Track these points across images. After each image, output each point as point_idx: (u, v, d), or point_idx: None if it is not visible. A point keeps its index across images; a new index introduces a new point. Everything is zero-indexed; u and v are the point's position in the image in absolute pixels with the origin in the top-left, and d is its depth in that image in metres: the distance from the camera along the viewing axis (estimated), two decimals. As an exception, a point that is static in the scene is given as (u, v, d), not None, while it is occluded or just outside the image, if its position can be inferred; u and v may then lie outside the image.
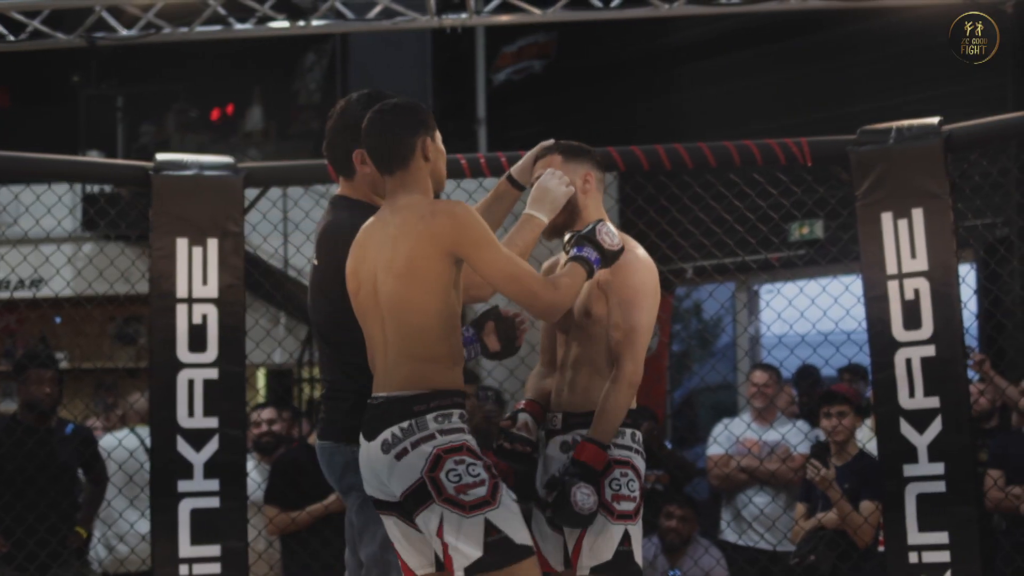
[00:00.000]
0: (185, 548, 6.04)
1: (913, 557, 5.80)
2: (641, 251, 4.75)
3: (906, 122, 5.98)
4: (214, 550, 6.06)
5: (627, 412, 4.64)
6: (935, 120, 5.96)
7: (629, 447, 4.65)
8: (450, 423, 4.29)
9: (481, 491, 4.22)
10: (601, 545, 4.45)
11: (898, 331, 5.89)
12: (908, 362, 5.86)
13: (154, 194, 6.23)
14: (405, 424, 4.25)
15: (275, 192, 6.73)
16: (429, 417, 4.26)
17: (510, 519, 4.25)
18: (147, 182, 6.26)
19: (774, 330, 7.49)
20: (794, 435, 8.00)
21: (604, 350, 4.69)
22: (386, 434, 4.26)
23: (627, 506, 4.52)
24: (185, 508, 6.05)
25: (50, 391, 7.28)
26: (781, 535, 7.80)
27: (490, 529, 4.21)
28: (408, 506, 4.26)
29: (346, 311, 4.62)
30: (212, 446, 6.08)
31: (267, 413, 8.20)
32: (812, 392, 8.57)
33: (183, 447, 6.07)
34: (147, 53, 9.90)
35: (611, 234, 4.55)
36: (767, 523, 7.84)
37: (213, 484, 6.06)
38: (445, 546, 4.22)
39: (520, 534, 4.25)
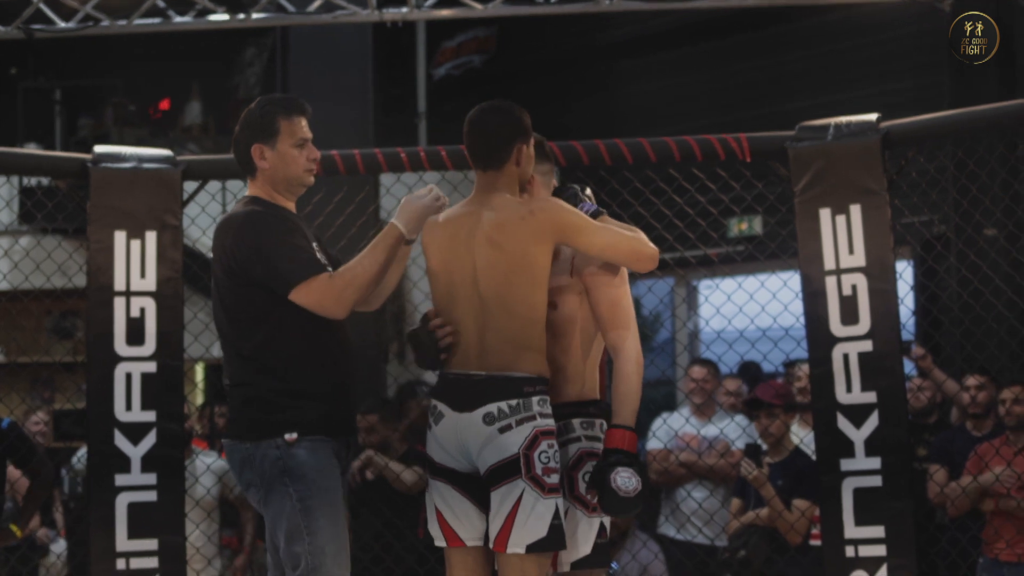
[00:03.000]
0: (122, 542, 6.00)
1: (850, 551, 5.83)
2: None
3: (844, 118, 6.02)
4: (151, 544, 6.02)
5: (595, 403, 4.77)
6: (873, 117, 5.99)
7: (598, 438, 4.73)
8: (547, 408, 4.59)
9: (557, 478, 4.53)
10: (535, 522, 4.49)
11: (835, 326, 5.92)
12: (845, 357, 5.90)
13: (92, 187, 6.18)
14: (514, 402, 4.53)
15: (214, 185, 6.70)
16: (534, 399, 4.55)
17: (563, 510, 4.54)
18: (85, 174, 6.22)
19: (713, 325, 7.52)
20: (732, 430, 8.04)
21: (567, 346, 4.75)
22: (491, 407, 4.54)
23: (555, 479, 4.56)
24: (122, 502, 6.01)
25: None
26: (719, 529, 7.84)
27: (556, 514, 4.51)
28: (490, 479, 4.53)
29: (234, 299, 4.79)
30: (150, 440, 6.04)
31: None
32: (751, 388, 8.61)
33: (120, 441, 6.03)
34: (85, 46, 9.84)
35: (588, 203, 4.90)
36: (705, 517, 7.86)
37: (150, 478, 6.02)
38: (510, 521, 4.48)
39: (564, 526, 4.55)
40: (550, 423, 4.56)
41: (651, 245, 4.74)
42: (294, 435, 4.68)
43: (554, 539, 4.51)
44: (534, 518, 4.48)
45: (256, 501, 4.81)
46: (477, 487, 4.60)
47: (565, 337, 4.73)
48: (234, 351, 4.84)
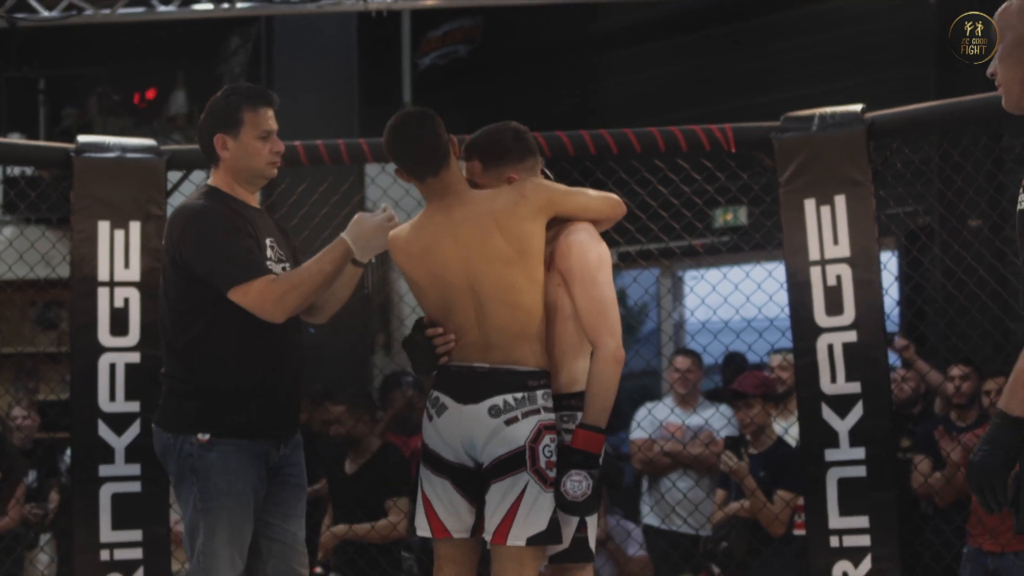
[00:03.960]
0: (106, 533, 6.00)
1: (834, 541, 5.85)
2: (591, 229, 4.78)
3: (829, 109, 6.02)
4: (135, 535, 6.01)
5: (580, 396, 4.68)
6: (858, 107, 6.00)
7: None
8: (550, 402, 4.61)
9: (555, 473, 4.54)
10: (536, 515, 4.51)
11: (820, 317, 5.93)
12: (830, 347, 5.91)
13: (75, 176, 6.17)
14: (519, 395, 4.55)
15: (199, 175, 6.67)
16: (539, 393, 4.57)
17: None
18: (69, 164, 6.20)
19: (698, 316, 7.52)
20: (717, 420, 8.04)
21: (550, 337, 4.70)
22: (497, 400, 4.54)
23: (554, 473, 4.56)
24: (106, 492, 6.00)
25: None
26: (703, 520, 7.84)
27: (555, 508, 4.52)
28: (494, 471, 4.53)
29: (177, 292, 4.82)
30: (134, 430, 6.03)
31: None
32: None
33: (104, 431, 6.02)
34: (69, 35, 9.80)
35: None
36: (689, 508, 7.87)
37: (134, 468, 6.01)
38: (512, 514, 4.48)
39: (561, 520, 4.56)
40: (552, 417, 4.58)
41: (612, 195, 4.85)
42: (206, 436, 4.73)
43: (553, 533, 4.52)
44: (536, 511, 4.49)
45: (173, 488, 4.89)
46: (467, 480, 4.60)
47: (548, 327, 4.70)
48: (169, 343, 4.88)
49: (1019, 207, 3.53)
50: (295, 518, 4.96)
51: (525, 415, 4.52)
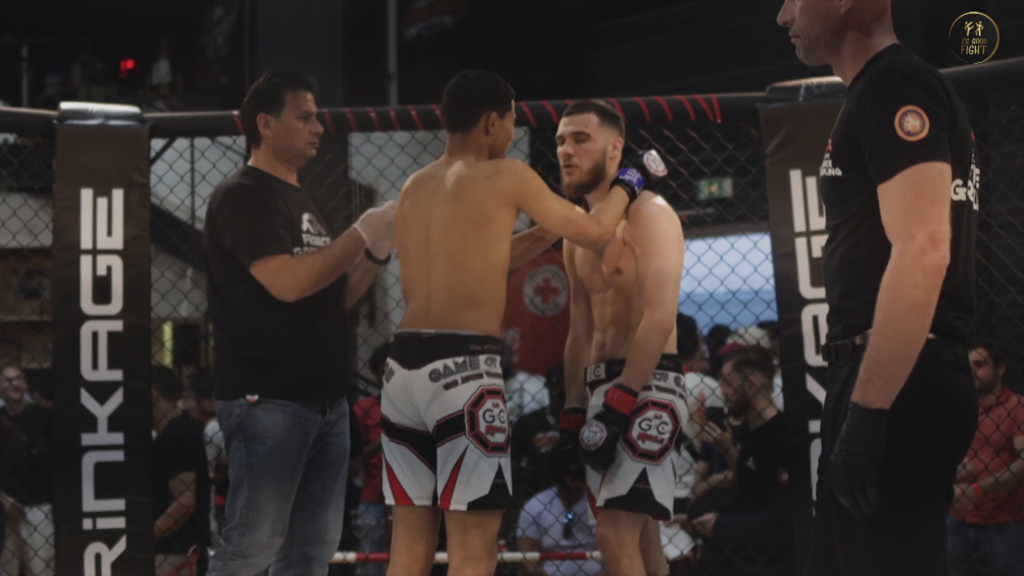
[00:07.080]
0: (89, 502, 5.98)
1: (817, 512, 5.84)
2: (660, 200, 4.98)
3: (815, 80, 6.00)
4: (118, 504, 6.00)
5: (669, 357, 4.86)
6: (844, 78, 5.97)
7: (672, 390, 4.86)
8: (496, 367, 4.68)
9: (502, 437, 4.61)
10: (477, 480, 4.57)
11: (805, 288, 5.92)
12: (815, 319, 5.90)
13: (58, 144, 6.13)
14: (460, 359, 4.60)
15: (182, 143, 6.66)
16: (481, 358, 4.62)
17: (509, 469, 4.64)
18: (51, 132, 6.16)
19: (683, 287, 7.49)
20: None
21: (633, 305, 4.88)
22: (437, 364, 4.61)
23: (651, 446, 4.75)
24: (89, 461, 5.98)
25: None
26: (687, 489, 7.85)
27: (499, 473, 4.59)
28: (437, 435, 4.61)
29: (214, 265, 5.00)
30: (116, 399, 6.01)
31: (11, 372, 8.32)
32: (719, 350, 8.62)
33: (87, 400, 6.00)
34: (53, 3, 9.76)
35: (657, 161, 4.99)
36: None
37: (117, 437, 5.99)
38: (453, 478, 4.55)
39: (510, 485, 4.63)
40: (498, 383, 4.65)
41: (595, 229, 4.80)
42: (255, 397, 4.87)
43: (497, 498, 4.58)
44: (476, 475, 4.55)
45: (225, 452, 5.06)
46: (424, 444, 4.68)
47: (631, 298, 4.87)
48: (215, 316, 5.07)
49: (821, 174, 3.51)
50: (332, 485, 5.10)
51: (465, 379, 4.59)
